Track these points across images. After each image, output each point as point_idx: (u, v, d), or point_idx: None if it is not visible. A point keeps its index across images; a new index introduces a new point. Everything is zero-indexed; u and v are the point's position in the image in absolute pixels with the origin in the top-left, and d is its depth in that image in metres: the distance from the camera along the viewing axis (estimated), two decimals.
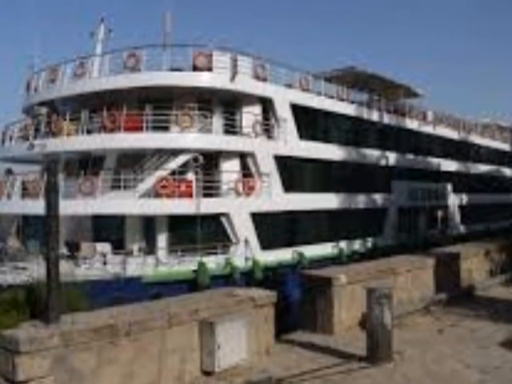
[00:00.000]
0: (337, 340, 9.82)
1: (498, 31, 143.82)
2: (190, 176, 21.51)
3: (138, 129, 21.03)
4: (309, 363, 8.54)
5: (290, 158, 24.71)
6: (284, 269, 22.47)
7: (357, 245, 28.19)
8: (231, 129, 23.06)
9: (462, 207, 41.23)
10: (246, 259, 21.60)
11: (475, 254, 16.04)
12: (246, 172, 23.06)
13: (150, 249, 20.97)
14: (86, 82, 22.24)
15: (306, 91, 26.29)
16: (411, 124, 35.52)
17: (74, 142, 21.56)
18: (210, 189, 21.57)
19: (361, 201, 29.68)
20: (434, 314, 12.01)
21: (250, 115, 23.37)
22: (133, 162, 21.57)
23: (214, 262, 20.60)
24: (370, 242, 29.17)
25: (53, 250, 6.75)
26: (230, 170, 22.59)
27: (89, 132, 21.79)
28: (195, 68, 21.84)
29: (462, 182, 41.69)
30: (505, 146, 52.35)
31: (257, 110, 23.95)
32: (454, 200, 40.10)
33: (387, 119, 32.93)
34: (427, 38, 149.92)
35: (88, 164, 22.81)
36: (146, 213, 20.57)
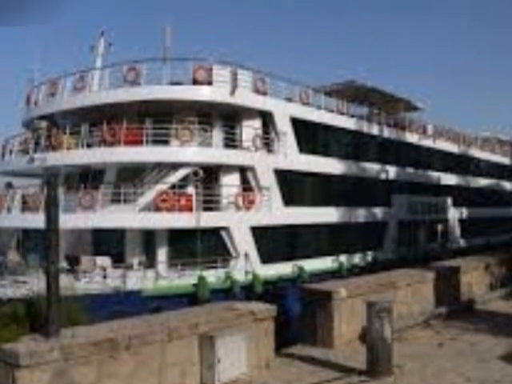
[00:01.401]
0: (337, 354, 9.80)
1: (498, 45, 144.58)
2: (190, 190, 21.54)
3: (138, 142, 21.09)
4: (309, 377, 8.52)
5: (290, 171, 24.76)
6: (284, 283, 22.43)
7: (357, 259, 28.14)
8: (231, 143, 23.12)
9: (461, 221, 41.20)
10: (246, 273, 21.57)
11: (475, 268, 16.02)
12: (245, 186, 23.08)
13: (150, 262, 20.94)
14: (85, 95, 22.34)
15: (306, 105, 26.39)
16: (411, 138, 35.61)
17: (74, 155, 21.63)
18: (210, 203, 21.59)
19: (361, 215, 29.68)
20: (434, 327, 11.99)
21: (249, 129, 23.44)
22: (133, 175, 21.62)
23: (213, 276, 20.58)
24: (369, 256, 29.11)
25: (53, 263, 6.76)
26: (229, 184, 22.60)
27: (89, 146, 21.84)
28: (195, 82, 21.94)
29: (461, 195, 41.68)
30: (505, 160, 52.41)
31: (257, 123, 24.02)
32: (453, 214, 40.08)
33: (387, 133, 33.01)
34: (427, 51, 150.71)
35: (88, 178, 22.85)
36: (145, 226, 20.57)
